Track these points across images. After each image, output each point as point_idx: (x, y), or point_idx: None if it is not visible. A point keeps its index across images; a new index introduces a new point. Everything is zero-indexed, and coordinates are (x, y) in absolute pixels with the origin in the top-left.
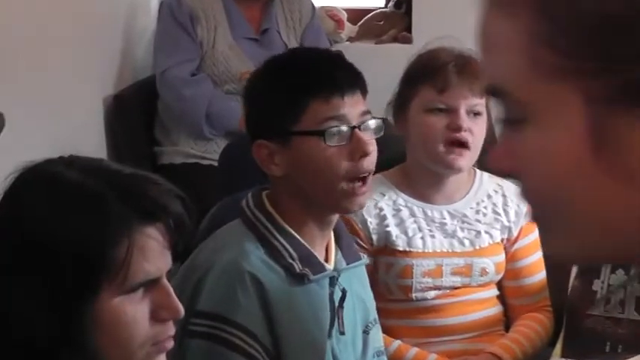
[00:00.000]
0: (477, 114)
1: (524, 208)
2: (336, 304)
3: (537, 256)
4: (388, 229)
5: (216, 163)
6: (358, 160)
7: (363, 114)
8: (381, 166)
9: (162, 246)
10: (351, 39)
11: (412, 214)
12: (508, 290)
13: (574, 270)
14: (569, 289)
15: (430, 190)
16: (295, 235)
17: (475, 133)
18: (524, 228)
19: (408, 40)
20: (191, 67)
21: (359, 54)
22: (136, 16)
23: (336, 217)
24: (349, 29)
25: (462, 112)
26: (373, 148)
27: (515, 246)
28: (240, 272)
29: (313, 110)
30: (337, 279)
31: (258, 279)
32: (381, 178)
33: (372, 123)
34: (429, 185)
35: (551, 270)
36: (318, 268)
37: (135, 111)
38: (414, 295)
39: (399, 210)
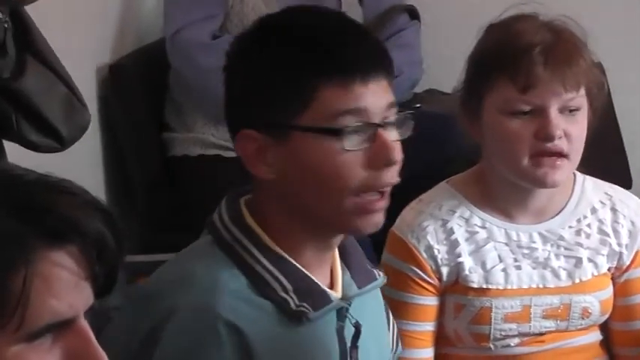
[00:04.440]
0: (574, 110)
1: None
2: (348, 343)
3: None
4: (460, 259)
5: None
6: (380, 170)
7: (388, 107)
8: (443, 168)
9: (77, 276)
10: None
11: (491, 238)
12: (616, 335)
13: None
14: None
15: (515, 205)
16: (288, 257)
17: (573, 135)
18: None
19: None
20: (212, 26)
21: (439, 9)
22: None
23: (340, 239)
24: None
25: (554, 113)
26: (401, 155)
27: (627, 275)
28: (212, 320)
29: (325, 99)
30: (347, 310)
31: (238, 328)
32: (447, 187)
33: (399, 119)
34: (512, 198)
35: None
36: (321, 299)
37: (138, 86)
38: (491, 344)
39: (474, 232)
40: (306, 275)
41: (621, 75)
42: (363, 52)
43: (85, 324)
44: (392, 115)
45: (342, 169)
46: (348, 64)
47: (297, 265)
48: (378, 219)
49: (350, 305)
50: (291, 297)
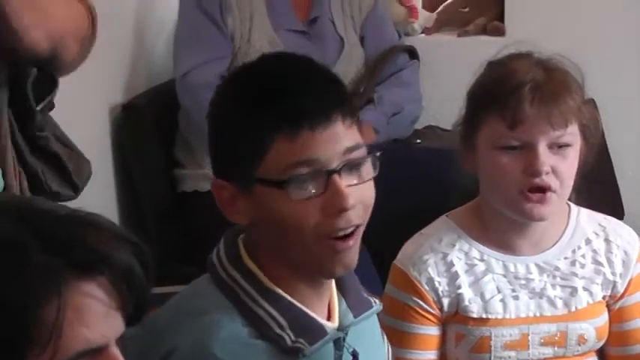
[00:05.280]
0: (563, 146)
1: (635, 254)
2: None
3: None
4: (460, 290)
5: None
6: (334, 217)
7: (346, 151)
8: (443, 202)
9: (108, 306)
10: (427, 30)
11: (490, 270)
12: None
13: None
14: None
15: (511, 237)
16: (284, 295)
17: (561, 171)
18: (633, 281)
19: (499, 32)
20: (220, 67)
21: (437, 49)
22: (152, 6)
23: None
24: (424, 18)
25: (542, 149)
26: (356, 200)
27: (622, 303)
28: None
29: (276, 151)
30: (344, 339)
31: None
32: (446, 221)
33: (363, 161)
34: (509, 231)
35: None
36: (317, 332)
37: (149, 124)
38: None
39: (473, 265)
40: (303, 311)
41: (612, 109)
42: (309, 101)
43: (116, 351)
44: (356, 157)
45: (295, 219)
46: (293, 115)
47: (294, 302)
48: (349, 260)
49: (347, 334)
50: (287, 334)
